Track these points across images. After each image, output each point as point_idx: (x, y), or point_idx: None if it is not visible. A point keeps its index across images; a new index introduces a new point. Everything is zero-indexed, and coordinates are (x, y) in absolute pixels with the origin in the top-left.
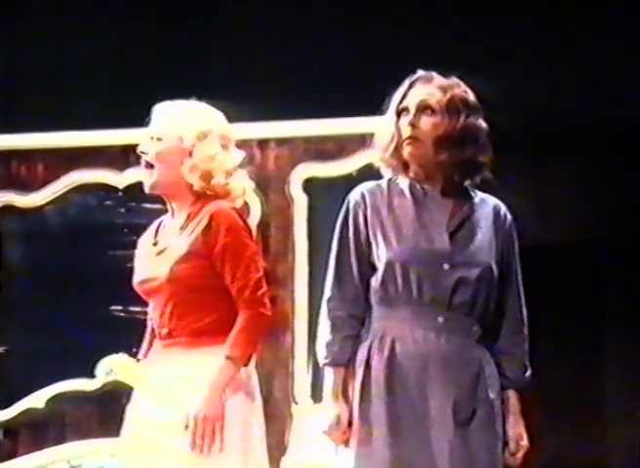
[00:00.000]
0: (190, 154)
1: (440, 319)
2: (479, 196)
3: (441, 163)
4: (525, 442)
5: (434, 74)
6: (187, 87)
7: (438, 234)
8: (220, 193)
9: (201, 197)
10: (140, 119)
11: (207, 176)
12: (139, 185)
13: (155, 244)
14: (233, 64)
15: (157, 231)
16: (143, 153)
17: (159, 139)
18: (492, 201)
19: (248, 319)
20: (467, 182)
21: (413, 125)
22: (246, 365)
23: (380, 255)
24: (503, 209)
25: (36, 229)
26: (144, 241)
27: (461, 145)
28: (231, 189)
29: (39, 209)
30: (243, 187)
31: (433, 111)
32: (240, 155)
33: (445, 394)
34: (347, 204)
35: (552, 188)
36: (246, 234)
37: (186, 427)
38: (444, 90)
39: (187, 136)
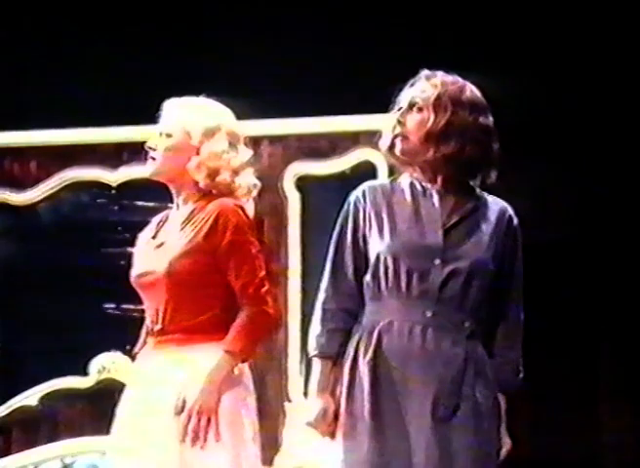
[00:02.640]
0: (198, 151)
1: (428, 313)
2: (486, 197)
3: (429, 160)
4: (507, 440)
5: (438, 73)
6: (181, 85)
7: (432, 230)
8: (225, 191)
9: (206, 194)
10: (135, 117)
11: (213, 174)
12: (132, 183)
13: (154, 237)
14: (227, 62)
15: (158, 225)
16: (152, 149)
17: (168, 136)
18: (499, 203)
19: (250, 315)
20: (474, 182)
21: (399, 122)
22: (244, 361)
23: (374, 249)
24: (510, 212)
25: (29, 227)
26: (144, 234)
27: (446, 140)
28: (237, 187)
29: (32, 206)
30: (249, 186)
31: (420, 109)
32: (248, 153)
33: (426, 390)
34: (349, 200)
35: (549, 187)
36: (252, 232)
37: (178, 413)
38: (435, 87)
39: (195, 133)
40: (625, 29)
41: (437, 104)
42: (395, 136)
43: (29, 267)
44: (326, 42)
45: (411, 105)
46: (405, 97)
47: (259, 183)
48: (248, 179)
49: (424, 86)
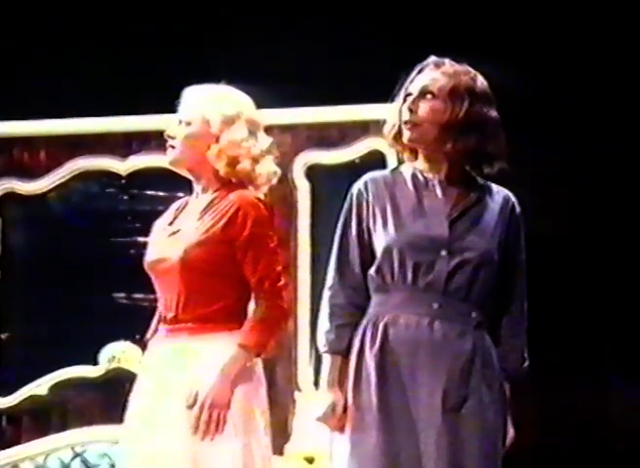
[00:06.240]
0: (217, 139)
1: (435, 305)
2: (489, 186)
3: (445, 152)
4: (511, 428)
5: (446, 60)
6: (189, 74)
7: (437, 221)
8: (245, 179)
9: (226, 183)
10: (143, 106)
11: (233, 162)
12: (141, 172)
13: (171, 224)
14: (236, 51)
15: (176, 212)
16: (171, 137)
17: (188, 124)
18: (502, 192)
19: (265, 310)
20: (477, 172)
21: (410, 109)
22: (258, 355)
23: (379, 242)
24: (513, 200)
25: (38, 216)
26: (161, 221)
27: (465, 134)
28: (257, 176)
29: (41, 196)
30: (269, 174)
31: (434, 96)
32: (268, 141)
33: (434, 381)
34: (351, 193)
35: (551, 179)
36: (270, 226)
37: (191, 406)
38: (449, 76)
39: (215, 121)
40: (626, 29)
41: (454, 94)
42: (405, 124)
43: (39, 256)
44: (335, 30)
45: (422, 93)
46: (415, 83)
47: (279, 171)
48: (268, 167)
49: (436, 74)
